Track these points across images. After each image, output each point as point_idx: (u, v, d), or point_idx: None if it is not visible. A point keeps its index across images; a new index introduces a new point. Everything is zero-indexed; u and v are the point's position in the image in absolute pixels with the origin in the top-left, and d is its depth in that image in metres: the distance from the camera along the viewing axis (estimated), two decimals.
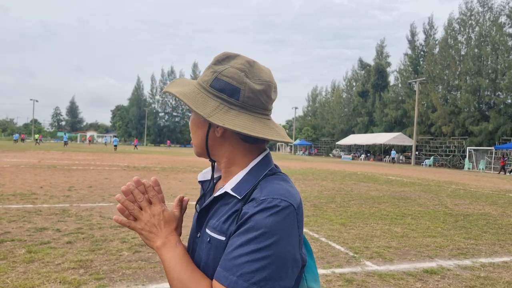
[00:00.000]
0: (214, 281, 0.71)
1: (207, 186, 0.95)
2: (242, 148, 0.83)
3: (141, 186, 0.82)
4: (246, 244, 0.69)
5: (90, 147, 43.78)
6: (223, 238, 0.75)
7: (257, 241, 0.68)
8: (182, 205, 0.91)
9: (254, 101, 0.79)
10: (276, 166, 0.86)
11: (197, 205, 0.91)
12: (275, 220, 0.69)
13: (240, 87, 0.78)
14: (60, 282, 3.30)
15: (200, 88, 0.82)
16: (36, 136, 48.40)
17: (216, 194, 0.81)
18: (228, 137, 0.82)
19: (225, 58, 0.83)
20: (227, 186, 0.80)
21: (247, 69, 0.80)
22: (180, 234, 0.85)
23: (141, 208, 0.82)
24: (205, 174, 0.96)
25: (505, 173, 27.74)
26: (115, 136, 52.75)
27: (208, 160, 0.89)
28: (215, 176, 0.93)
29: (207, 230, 0.80)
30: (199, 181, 0.97)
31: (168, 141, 69.83)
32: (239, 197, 0.77)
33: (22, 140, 51.32)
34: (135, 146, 47.52)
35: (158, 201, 0.84)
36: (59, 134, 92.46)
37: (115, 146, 38.73)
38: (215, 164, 0.89)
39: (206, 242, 0.79)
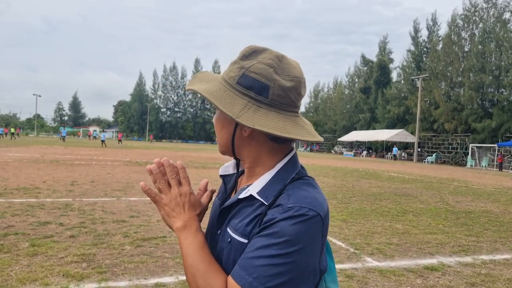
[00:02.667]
0: (229, 277, 0.70)
1: (229, 181, 0.92)
2: (269, 148, 0.80)
3: (173, 167, 0.82)
4: (268, 247, 0.67)
5: (87, 142, 43.10)
6: (245, 241, 0.73)
7: (279, 247, 0.67)
8: (211, 196, 0.89)
9: (284, 98, 0.76)
10: (302, 167, 0.83)
11: (217, 199, 0.91)
12: (300, 229, 0.68)
13: (269, 84, 0.74)
14: (63, 275, 3.34)
15: (226, 85, 0.77)
16: (13, 129, 44.03)
17: (241, 196, 0.78)
18: (256, 136, 0.78)
19: (252, 53, 0.79)
20: (253, 189, 0.77)
21: (276, 65, 0.76)
22: (200, 221, 0.84)
23: (169, 185, 0.81)
24: (227, 168, 0.93)
25: (500, 170, 27.78)
26: (103, 131, 49.97)
27: (229, 157, 0.86)
28: (237, 170, 0.91)
29: (229, 230, 0.78)
30: (221, 175, 0.94)
31: (151, 136, 67.23)
32: (265, 203, 0.74)
33: (10, 134, 44.29)
34: (119, 140, 43.65)
35: (187, 183, 0.82)
36: (61, 129, 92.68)
37: (103, 141, 34.83)
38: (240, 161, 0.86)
39: (226, 242, 0.77)
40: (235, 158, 0.85)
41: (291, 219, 0.68)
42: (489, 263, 4.44)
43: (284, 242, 0.67)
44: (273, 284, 0.66)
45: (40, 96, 78.12)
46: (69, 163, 14.14)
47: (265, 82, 0.75)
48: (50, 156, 17.61)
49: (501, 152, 29.64)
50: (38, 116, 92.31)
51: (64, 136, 40.96)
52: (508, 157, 30.34)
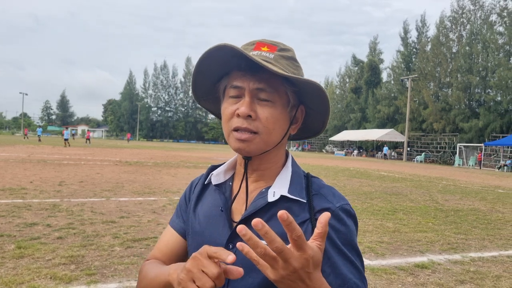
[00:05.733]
0: None
1: (224, 189, 0.83)
2: (284, 144, 0.81)
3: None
4: (349, 256, 0.71)
5: (42, 141, 41.46)
6: None
7: (358, 254, 0.73)
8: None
9: None
10: None
11: (214, 208, 0.81)
12: (355, 225, 0.76)
13: None
14: (50, 278, 3.26)
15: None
16: None
17: (271, 199, 0.73)
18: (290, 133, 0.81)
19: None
20: (280, 190, 0.75)
21: None
22: None
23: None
24: (218, 176, 0.85)
25: (480, 168, 28.49)
26: (39, 127, 47.68)
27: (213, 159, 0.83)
28: (228, 176, 0.85)
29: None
30: (216, 185, 0.84)
31: (129, 134, 63.73)
32: (304, 201, 0.75)
33: None
34: (87, 139, 41.03)
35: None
36: (49, 128, 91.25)
37: (38, 136, 34.45)
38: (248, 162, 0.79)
39: None
40: (246, 158, 0.77)
41: (350, 219, 0.74)
42: (477, 260, 4.51)
43: (355, 244, 0.73)
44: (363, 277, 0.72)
45: (26, 94, 76.74)
46: (57, 163, 13.90)
47: None
48: (37, 155, 17.29)
49: (481, 150, 30.41)
50: (25, 115, 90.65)
51: (40, 135, 39.43)
52: (495, 156, 30.96)
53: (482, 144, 31.12)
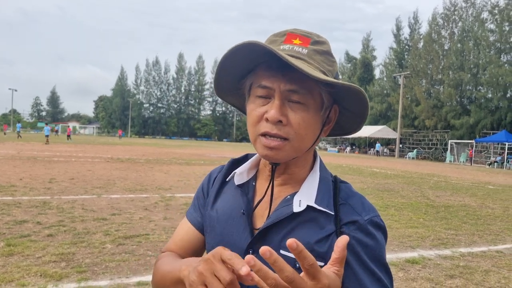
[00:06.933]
0: None
1: (247, 190, 0.79)
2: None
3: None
4: (378, 270, 0.68)
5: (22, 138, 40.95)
6: (321, 264, 0.64)
7: (387, 271, 0.69)
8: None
9: None
10: None
11: (244, 215, 0.75)
12: (384, 239, 0.72)
13: None
14: (41, 275, 3.22)
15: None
16: None
17: (296, 210, 0.69)
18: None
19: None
20: (306, 199, 0.70)
21: None
22: None
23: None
24: (242, 175, 0.80)
25: (471, 164, 28.91)
26: (18, 122, 46.29)
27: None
28: (250, 175, 0.81)
29: (284, 252, 0.67)
30: (238, 185, 0.79)
31: (120, 131, 61.61)
32: (331, 213, 0.70)
33: None
34: (68, 136, 39.33)
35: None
36: (39, 124, 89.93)
37: (18, 132, 35.19)
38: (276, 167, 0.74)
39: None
40: (274, 164, 0.72)
41: (379, 233, 0.70)
42: (467, 255, 4.57)
43: (383, 258, 0.69)
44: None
45: (16, 90, 75.49)
46: (47, 160, 13.73)
47: None
48: (27, 152, 17.06)
49: (472, 147, 30.92)
50: (14, 112, 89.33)
51: (19, 131, 38.61)
52: (485, 153, 31.41)
53: (473, 141, 31.53)
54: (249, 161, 0.82)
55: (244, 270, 0.49)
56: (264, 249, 0.44)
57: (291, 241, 0.44)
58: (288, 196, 0.72)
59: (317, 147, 0.83)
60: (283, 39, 0.70)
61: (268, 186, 0.74)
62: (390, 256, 4.35)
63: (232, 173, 0.81)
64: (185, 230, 0.85)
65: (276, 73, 0.66)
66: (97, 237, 4.42)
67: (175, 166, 14.17)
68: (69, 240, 4.22)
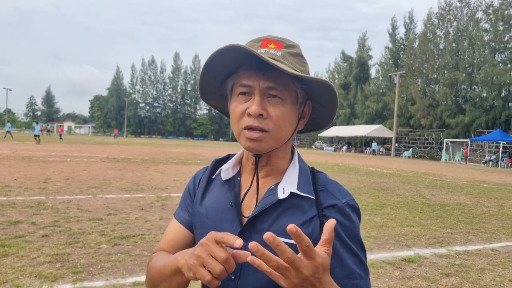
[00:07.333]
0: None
1: (233, 184, 0.83)
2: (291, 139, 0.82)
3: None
4: (355, 247, 0.76)
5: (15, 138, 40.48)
6: None
7: (362, 247, 0.78)
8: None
9: None
10: None
11: (232, 207, 0.79)
12: (358, 219, 0.80)
13: None
14: (35, 276, 3.20)
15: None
16: None
17: (281, 196, 0.75)
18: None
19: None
20: (289, 187, 0.77)
21: None
22: None
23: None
24: (227, 171, 0.85)
25: (466, 163, 29.20)
26: (8, 121, 45.20)
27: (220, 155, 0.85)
28: (235, 171, 0.86)
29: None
30: (225, 180, 0.84)
31: (116, 130, 60.25)
32: (312, 197, 0.77)
33: None
34: (60, 135, 38.01)
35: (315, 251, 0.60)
36: (34, 124, 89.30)
37: (8, 131, 33.89)
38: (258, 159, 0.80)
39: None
40: (256, 156, 0.78)
41: (355, 215, 0.78)
42: (462, 253, 4.60)
43: (359, 238, 0.78)
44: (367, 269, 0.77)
45: (10, 90, 74.76)
46: (42, 160, 13.63)
47: None
48: (22, 152, 16.92)
49: (467, 146, 31.19)
50: (9, 111, 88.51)
51: (9, 131, 37.34)
52: (480, 152, 31.63)
53: (468, 140, 31.75)
54: (233, 158, 0.88)
55: (237, 243, 0.55)
56: (267, 235, 0.51)
57: (291, 226, 0.52)
58: (273, 186, 0.79)
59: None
60: (259, 44, 0.77)
61: (253, 178, 0.80)
62: (386, 255, 4.36)
63: (219, 170, 0.87)
64: (175, 229, 0.89)
65: (257, 72, 0.73)
66: (92, 237, 4.39)
67: (171, 165, 14.13)
68: (64, 241, 4.19)
